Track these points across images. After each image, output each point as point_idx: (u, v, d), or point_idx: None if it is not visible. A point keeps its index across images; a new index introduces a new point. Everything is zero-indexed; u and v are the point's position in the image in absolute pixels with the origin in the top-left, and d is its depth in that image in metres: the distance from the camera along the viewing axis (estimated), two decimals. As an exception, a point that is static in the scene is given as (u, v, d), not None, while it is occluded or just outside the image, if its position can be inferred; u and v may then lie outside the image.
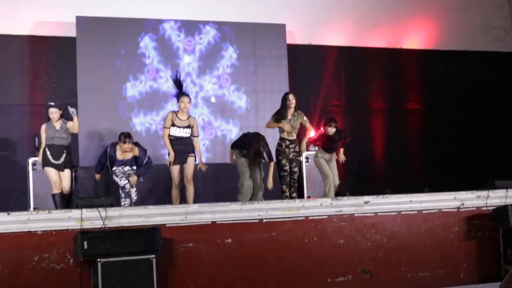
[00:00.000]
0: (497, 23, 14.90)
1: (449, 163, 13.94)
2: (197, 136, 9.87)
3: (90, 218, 7.46)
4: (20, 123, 11.77)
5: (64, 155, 9.37)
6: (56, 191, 9.28)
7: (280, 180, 9.87)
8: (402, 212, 8.88)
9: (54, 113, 9.43)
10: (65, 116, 9.52)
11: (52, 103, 9.56)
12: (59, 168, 9.33)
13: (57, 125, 9.43)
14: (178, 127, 9.69)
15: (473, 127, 14.37)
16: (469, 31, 14.56)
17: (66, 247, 7.33)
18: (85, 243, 7.10)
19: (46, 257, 7.28)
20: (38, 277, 7.24)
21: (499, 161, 13.98)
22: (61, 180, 9.36)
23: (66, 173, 9.39)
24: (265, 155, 9.77)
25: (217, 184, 11.85)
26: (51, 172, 9.33)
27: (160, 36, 12.39)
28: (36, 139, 10.88)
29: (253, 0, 13.09)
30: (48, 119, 9.49)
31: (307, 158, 11.49)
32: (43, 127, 9.49)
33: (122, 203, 9.69)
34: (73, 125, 9.44)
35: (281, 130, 9.97)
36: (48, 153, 9.34)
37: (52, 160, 9.29)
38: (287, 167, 9.83)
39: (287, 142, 9.94)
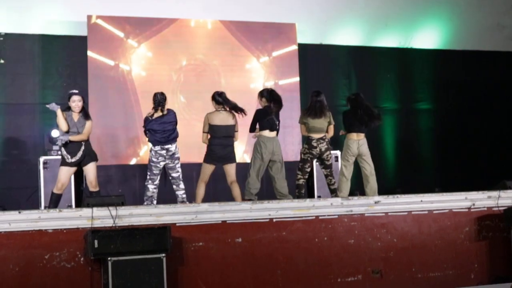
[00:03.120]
0: (508, 23, 14.87)
1: (460, 163, 13.93)
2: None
3: (101, 217, 7.46)
4: (32, 122, 11.83)
5: (82, 150, 8.74)
6: (56, 191, 8.83)
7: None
8: (413, 212, 8.85)
9: (78, 101, 8.77)
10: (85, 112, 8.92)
11: (76, 91, 8.96)
12: (77, 165, 8.79)
13: (75, 117, 8.80)
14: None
15: (484, 127, 14.35)
16: (480, 31, 14.54)
17: (77, 246, 7.33)
18: (96, 242, 7.11)
19: (57, 256, 7.29)
20: (49, 276, 7.25)
21: (510, 161, 13.94)
22: (86, 175, 8.87)
23: (90, 167, 8.82)
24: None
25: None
26: (62, 172, 8.78)
27: (171, 35, 12.42)
28: (46, 137, 10.93)
29: (264, -1, 13.13)
30: (66, 109, 8.82)
31: (336, 157, 11.46)
32: (60, 114, 8.67)
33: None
34: (88, 127, 8.85)
35: (309, 130, 9.67)
36: (64, 151, 8.73)
37: (69, 159, 8.72)
38: (307, 169, 9.75)
39: (313, 142, 9.65)
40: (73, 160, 8.76)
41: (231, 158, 9.66)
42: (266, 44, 12.95)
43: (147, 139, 9.83)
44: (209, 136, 9.61)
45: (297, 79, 13.00)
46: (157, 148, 9.53)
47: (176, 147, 9.62)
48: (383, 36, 14.01)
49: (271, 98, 9.68)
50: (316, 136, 9.63)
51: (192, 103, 12.43)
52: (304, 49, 13.26)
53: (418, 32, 14.28)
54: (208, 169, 9.62)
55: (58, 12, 11.96)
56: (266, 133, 9.56)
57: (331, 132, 9.80)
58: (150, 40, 12.30)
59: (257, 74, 12.90)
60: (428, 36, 14.38)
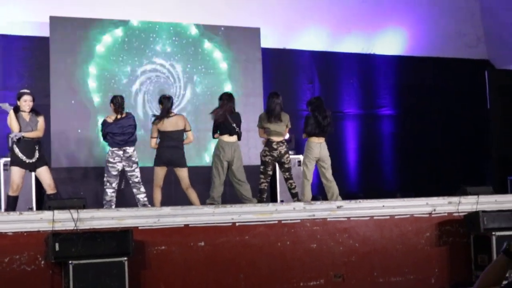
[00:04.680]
0: (469, 31, 15.08)
1: (421, 168, 14.05)
2: None
3: (62, 219, 7.38)
4: (-9, 124, 11.64)
5: (37, 151, 8.67)
6: (12, 193, 8.67)
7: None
8: (375, 217, 8.91)
9: (30, 101, 8.67)
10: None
11: (27, 90, 8.87)
12: (31, 167, 8.71)
13: (27, 117, 8.69)
14: None
15: (445, 133, 14.51)
16: (442, 38, 14.72)
17: (37, 249, 7.24)
18: (57, 245, 7.03)
19: (17, 259, 7.19)
20: (9, 279, 7.15)
21: (470, 167, 14.11)
22: (41, 180, 8.79)
23: (44, 170, 8.74)
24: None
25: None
26: (15, 172, 8.62)
27: (135, 37, 12.35)
28: (9, 139, 10.75)
29: (228, 3, 13.10)
30: (15, 109, 8.70)
31: (299, 161, 11.48)
32: (12, 114, 8.59)
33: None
34: (41, 123, 8.77)
35: (269, 133, 9.74)
36: (17, 150, 8.59)
37: (24, 159, 8.58)
38: (270, 172, 9.77)
39: (274, 145, 9.70)
40: (29, 161, 8.66)
41: (181, 162, 9.70)
42: (229, 48, 12.93)
43: (106, 142, 9.80)
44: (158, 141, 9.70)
45: (261, 83, 13.00)
46: (114, 148, 9.52)
47: (134, 150, 9.60)
48: (347, 41, 14.09)
49: (226, 102, 9.71)
50: (276, 139, 9.69)
51: (154, 107, 12.36)
52: (267, 53, 13.28)
53: (380, 38, 14.39)
54: (159, 172, 9.64)
55: (20, 13, 11.81)
56: (226, 137, 9.57)
57: (286, 134, 9.94)
58: (112, 42, 12.20)
59: (220, 78, 12.87)
60: (390, 43, 14.50)
